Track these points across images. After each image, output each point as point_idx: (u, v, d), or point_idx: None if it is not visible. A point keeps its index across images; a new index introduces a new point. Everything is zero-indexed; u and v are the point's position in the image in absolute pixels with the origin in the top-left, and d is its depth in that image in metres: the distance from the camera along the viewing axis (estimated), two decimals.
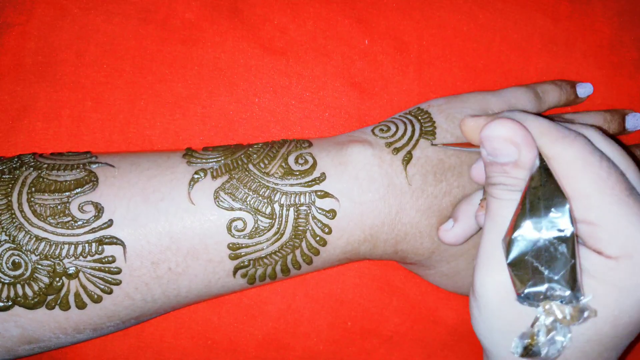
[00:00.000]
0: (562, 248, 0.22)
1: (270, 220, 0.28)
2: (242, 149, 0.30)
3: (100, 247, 0.26)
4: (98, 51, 0.34)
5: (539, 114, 0.35)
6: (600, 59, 0.37)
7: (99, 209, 0.27)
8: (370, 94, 0.35)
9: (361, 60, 0.36)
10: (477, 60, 0.36)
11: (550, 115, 0.35)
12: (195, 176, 0.28)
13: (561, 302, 0.22)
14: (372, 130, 0.31)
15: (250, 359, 0.34)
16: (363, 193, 0.29)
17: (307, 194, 0.28)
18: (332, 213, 0.28)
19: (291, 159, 0.29)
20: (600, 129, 0.28)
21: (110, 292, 0.27)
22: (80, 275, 0.26)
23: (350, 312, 0.35)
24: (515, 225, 0.23)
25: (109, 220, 0.27)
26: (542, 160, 0.23)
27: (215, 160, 0.29)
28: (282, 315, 0.34)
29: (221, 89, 0.34)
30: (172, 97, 0.34)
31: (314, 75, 0.35)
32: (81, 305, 0.27)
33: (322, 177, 0.29)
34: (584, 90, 0.37)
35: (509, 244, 0.23)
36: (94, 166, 0.28)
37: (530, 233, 0.22)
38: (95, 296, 0.27)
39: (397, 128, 0.31)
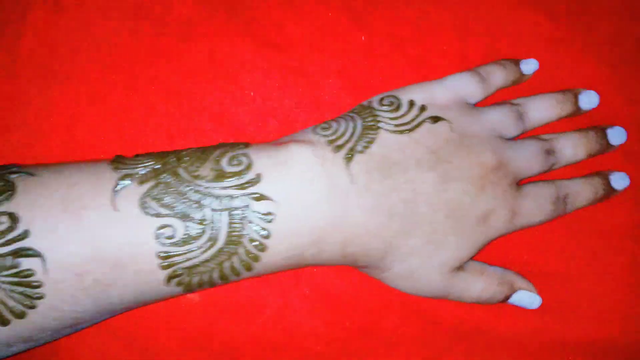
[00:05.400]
0: None
1: (202, 227, 0.26)
2: (173, 153, 0.28)
3: (16, 260, 0.25)
4: (93, 47, 0.33)
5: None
6: (600, 57, 0.36)
7: (14, 219, 0.25)
8: (367, 90, 0.34)
9: (357, 57, 0.35)
10: (475, 58, 0.35)
11: (500, 102, 0.34)
12: (120, 182, 0.26)
13: None
14: (314, 130, 0.30)
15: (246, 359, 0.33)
16: (303, 194, 0.27)
17: (241, 196, 0.27)
18: (269, 216, 0.27)
19: (224, 161, 0.27)
20: None
21: (34, 307, 0.25)
22: None
23: (347, 311, 0.34)
24: None
25: (25, 231, 0.25)
26: None
27: (144, 165, 0.27)
28: (278, 316, 0.33)
29: (216, 84, 0.34)
30: (167, 92, 0.34)
31: (309, 70, 0.35)
32: (5, 322, 0.25)
33: (258, 179, 0.27)
34: (528, 66, 0.35)
35: None
36: (13, 176, 0.26)
37: None
38: (18, 312, 0.25)
39: (339, 125, 0.30)
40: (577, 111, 0.35)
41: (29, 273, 0.25)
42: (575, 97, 0.35)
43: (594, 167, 0.35)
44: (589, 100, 0.35)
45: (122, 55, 0.33)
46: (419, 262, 0.30)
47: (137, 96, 0.33)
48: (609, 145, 0.35)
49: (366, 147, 0.29)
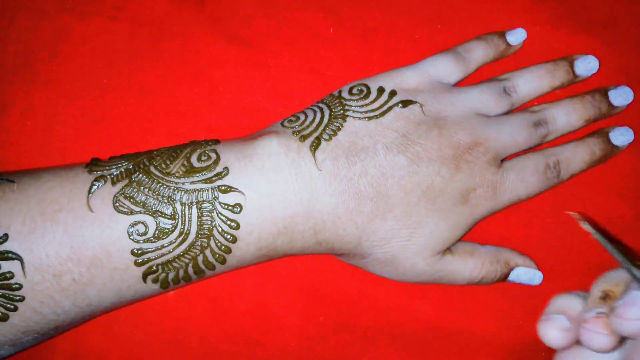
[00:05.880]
0: None
1: (173, 221, 0.27)
2: (145, 153, 0.29)
3: None
4: (71, 50, 0.35)
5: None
6: (593, 36, 0.35)
7: None
8: (336, 82, 0.34)
9: (326, 49, 0.35)
10: (450, 45, 0.34)
11: (486, 80, 0.33)
12: (95, 183, 0.27)
13: None
14: (282, 123, 0.30)
15: (221, 355, 0.33)
16: (270, 184, 0.28)
17: (209, 190, 0.27)
18: (238, 207, 0.27)
19: (194, 157, 0.28)
20: None
21: (16, 309, 0.26)
22: None
23: (323, 306, 0.33)
24: None
25: (4, 235, 0.26)
26: None
27: (117, 166, 0.28)
28: (252, 311, 0.33)
29: (188, 81, 0.35)
30: (141, 90, 0.35)
31: (279, 64, 0.35)
32: None
33: (225, 172, 0.28)
34: (516, 37, 0.34)
35: None
36: None
37: None
38: (1, 314, 0.26)
39: (306, 116, 0.30)
40: (574, 79, 0.34)
41: (8, 276, 0.26)
42: (571, 64, 0.34)
43: None
44: (586, 65, 0.34)
45: (98, 56, 0.35)
46: (399, 247, 0.29)
47: (113, 95, 0.34)
48: (611, 107, 0.33)
49: (332, 135, 0.29)
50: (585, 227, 0.25)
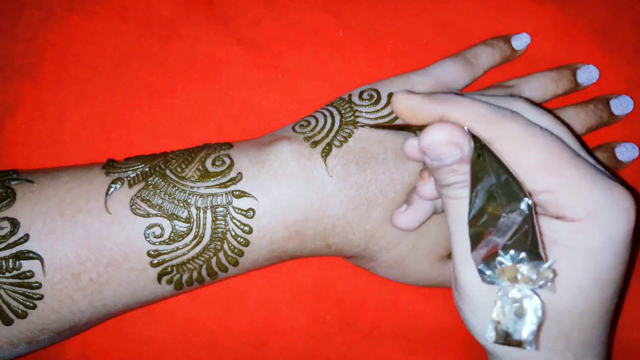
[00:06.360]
0: (517, 218, 0.22)
1: (188, 225, 0.28)
2: (161, 155, 0.30)
3: (17, 262, 0.27)
4: (79, 50, 0.35)
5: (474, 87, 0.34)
6: (594, 43, 0.36)
7: (15, 224, 0.27)
8: (344, 85, 0.35)
9: (335, 52, 0.36)
10: (456, 50, 0.35)
11: (492, 85, 0.34)
12: (113, 185, 0.28)
13: (521, 265, 0.22)
14: (293, 127, 0.31)
15: (229, 355, 0.34)
16: (282, 189, 0.28)
17: (224, 194, 0.28)
18: (251, 212, 0.28)
19: (208, 162, 0.29)
20: (528, 100, 0.27)
21: (35, 307, 0.27)
22: (1, 292, 0.27)
23: (329, 306, 0.34)
24: (471, 210, 0.23)
25: (25, 235, 0.27)
26: (477, 144, 0.23)
27: (134, 168, 0.29)
28: (260, 310, 0.34)
29: (196, 83, 0.35)
30: (150, 92, 0.35)
31: (287, 67, 0.35)
32: (7, 322, 0.27)
33: (239, 177, 0.28)
34: (520, 41, 0.35)
35: (470, 232, 0.23)
36: (13, 182, 0.28)
37: (488, 214, 0.22)
38: (20, 311, 0.27)
39: (317, 121, 0.31)
40: (576, 87, 0.35)
41: (29, 275, 0.27)
42: (573, 73, 0.35)
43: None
44: (587, 75, 0.35)
45: (106, 57, 0.35)
46: (405, 251, 0.30)
47: (121, 96, 0.35)
48: (612, 116, 0.34)
49: (344, 142, 0.30)
50: (361, 127, 0.29)
